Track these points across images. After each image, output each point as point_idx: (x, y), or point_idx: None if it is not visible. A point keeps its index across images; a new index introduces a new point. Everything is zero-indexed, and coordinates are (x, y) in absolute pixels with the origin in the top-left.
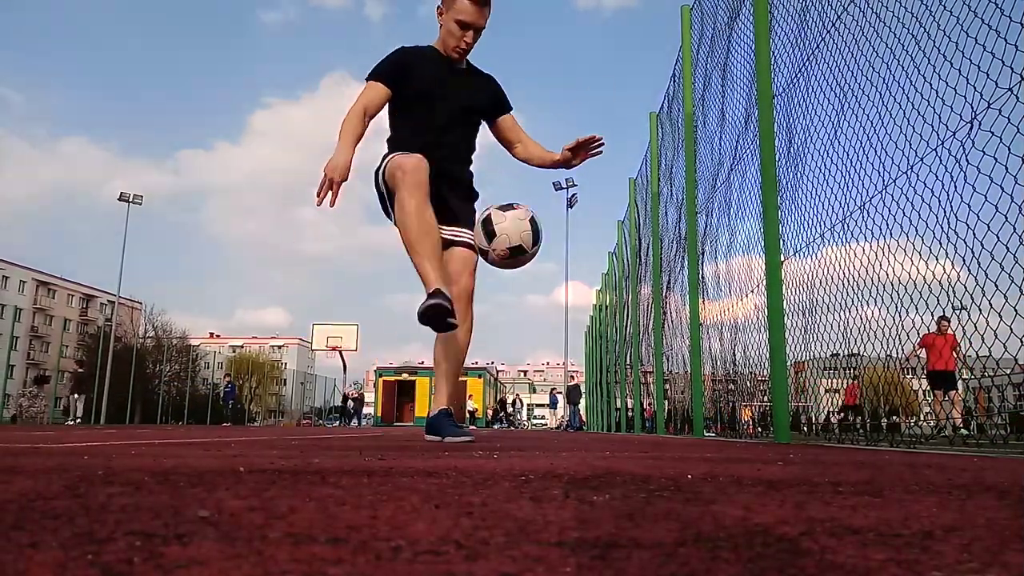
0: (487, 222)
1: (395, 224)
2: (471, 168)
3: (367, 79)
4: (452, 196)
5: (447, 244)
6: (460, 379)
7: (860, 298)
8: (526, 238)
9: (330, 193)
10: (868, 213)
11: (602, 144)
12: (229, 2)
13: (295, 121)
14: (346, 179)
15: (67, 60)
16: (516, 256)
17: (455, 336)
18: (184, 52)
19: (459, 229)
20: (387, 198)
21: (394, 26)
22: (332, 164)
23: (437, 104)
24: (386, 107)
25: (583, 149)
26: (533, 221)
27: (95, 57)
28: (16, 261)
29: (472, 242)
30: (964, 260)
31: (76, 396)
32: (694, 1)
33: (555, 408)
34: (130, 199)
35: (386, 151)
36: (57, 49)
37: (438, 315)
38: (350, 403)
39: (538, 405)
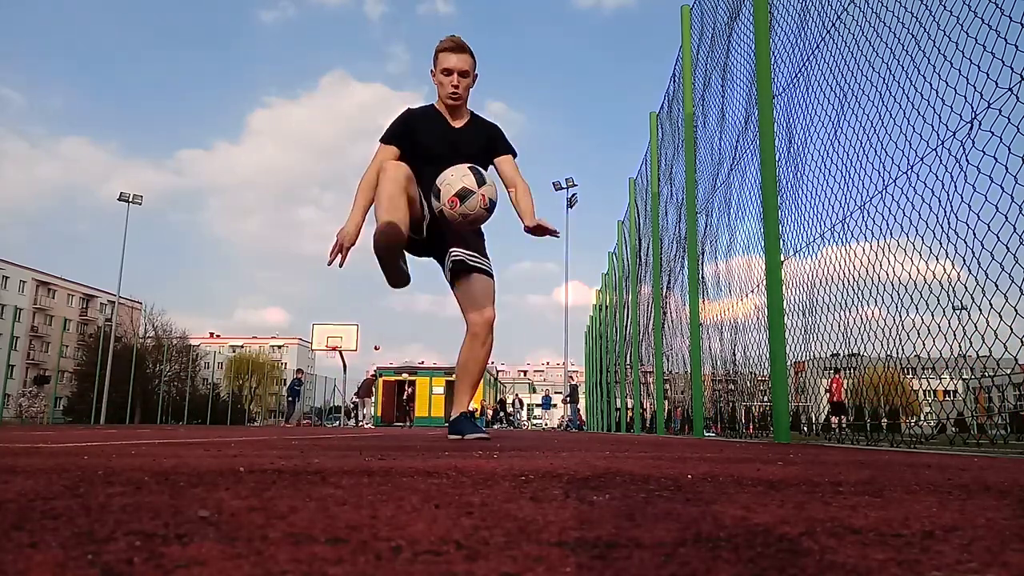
0: (434, 193)
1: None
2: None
3: (380, 141)
4: (458, 232)
5: (469, 269)
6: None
7: (860, 298)
8: (468, 181)
9: (339, 256)
10: (868, 213)
11: (556, 235)
12: (229, 2)
13: (295, 120)
14: (355, 244)
15: (67, 60)
16: (466, 200)
17: (480, 353)
18: (184, 52)
19: (478, 255)
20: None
21: (393, 25)
22: (344, 231)
23: (438, 162)
24: None
25: (542, 230)
26: (473, 168)
27: (95, 57)
28: (16, 261)
29: (490, 271)
30: (964, 260)
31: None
32: (694, 1)
33: (547, 408)
34: (130, 199)
35: None
36: (57, 49)
37: (392, 236)
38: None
39: (538, 405)
